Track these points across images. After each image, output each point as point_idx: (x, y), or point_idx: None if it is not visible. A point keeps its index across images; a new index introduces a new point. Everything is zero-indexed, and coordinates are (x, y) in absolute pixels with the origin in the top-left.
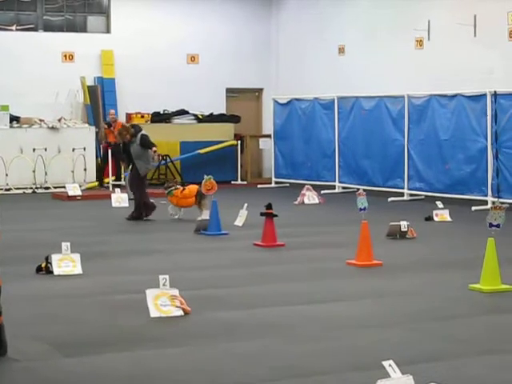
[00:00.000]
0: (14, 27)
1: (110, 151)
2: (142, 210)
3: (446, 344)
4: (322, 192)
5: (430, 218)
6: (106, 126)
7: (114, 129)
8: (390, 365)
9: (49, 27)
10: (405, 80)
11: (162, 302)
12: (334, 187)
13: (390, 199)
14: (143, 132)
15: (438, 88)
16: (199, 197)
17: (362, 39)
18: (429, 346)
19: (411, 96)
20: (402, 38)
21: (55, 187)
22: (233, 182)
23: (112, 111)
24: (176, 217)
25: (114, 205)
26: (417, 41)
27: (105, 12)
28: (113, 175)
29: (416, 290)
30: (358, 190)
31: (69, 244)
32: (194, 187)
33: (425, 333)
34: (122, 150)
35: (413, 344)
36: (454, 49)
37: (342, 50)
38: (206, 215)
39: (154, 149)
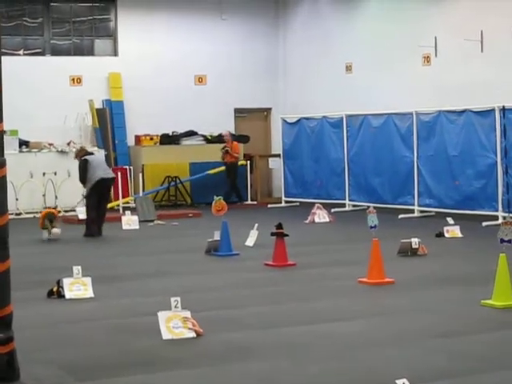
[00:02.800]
0: (21, 52)
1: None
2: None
3: (459, 361)
4: (333, 210)
5: (440, 235)
6: (223, 151)
7: (231, 150)
8: (403, 383)
9: (56, 51)
10: (413, 96)
11: (174, 324)
12: (344, 205)
13: (400, 216)
14: (84, 158)
15: (447, 104)
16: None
17: (369, 57)
18: (442, 362)
19: (419, 112)
20: (409, 54)
21: (66, 211)
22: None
23: (225, 132)
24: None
25: (124, 227)
26: (424, 57)
27: (112, 35)
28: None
29: (428, 306)
30: (369, 207)
31: (80, 268)
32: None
33: (438, 350)
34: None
35: (426, 361)
36: (462, 64)
37: (349, 68)
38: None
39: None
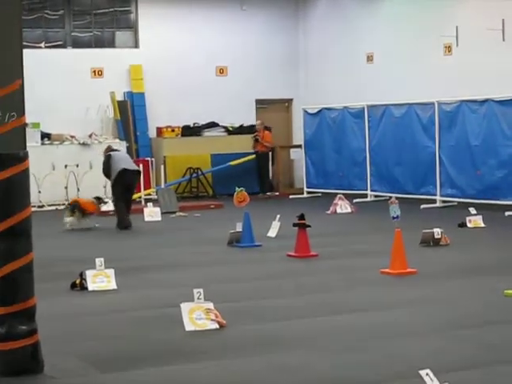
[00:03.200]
0: (42, 44)
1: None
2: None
3: (483, 351)
4: (354, 201)
5: (463, 225)
6: (254, 139)
7: (262, 139)
8: (427, 374)
9: (77, 43)
10: (434, 86)
11: (196, 315)
12: (365, 196)
13: (422, 206)
14: (108, 153)
15: (468, 93)
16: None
17: (391, 47)
18: (465, 353)
19: (441, 102)
20: (430, 44)
21: None
22: (260, 195)
23: (258, 122)
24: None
25: (146, 219)
26: (445, 47)
27: (132, 27)
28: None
29: (451, 296)
30: (391, 198)
31: (103, 259)
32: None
33: (461, 340)
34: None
35: (449, 352)
36: (483, 54)
37: (370, 58)
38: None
39: None
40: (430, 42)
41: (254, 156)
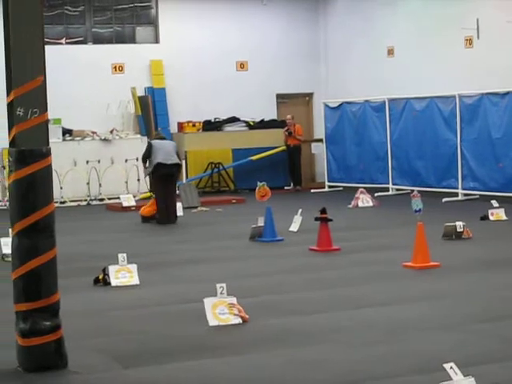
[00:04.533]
0: (63, 40)
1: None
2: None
3: (506, 345)
4: (376, 195)
5: (485, 218)
6: (286, 133)
7: (294, 132)
8: (451, 367)
9: (98, 39)
10: (455, 79)
11: (220, 310)
12: (387, 189)
13: (444, 200)
14: (149, 140)
15: (489, 86)
16: None
17: (411, 40)
18: (489, 347)
19: (462, 95)
20: (451, 37)
21: (109, 198)
22: (286, 188)
23: (289, 116)
24: None
25: None
26: (466, 40)
27: (153, 22)
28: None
29: (475, 290)
30: (412, 191)
31: (125, 255)
32: None
33: (485, 334)
34: None
35: (473, 345)
36: (504, 46)
37: (391, 52)
38: None
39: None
40: (450, 34)
41: (282, 149)
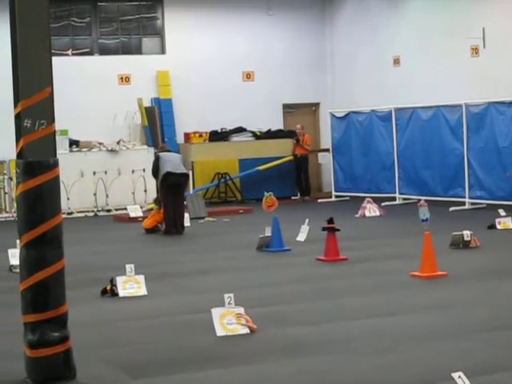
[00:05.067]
0: (69, 52)
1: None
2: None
3: None
4: (383, 204)
5: (492, 226)
6: (295, 142)
7: (302, 142)
8: (459, 376)
9: (104, 50)
10: (462, 88)
11: (227, 320)
12: (394, 199)
13: (451, 209)
14: (157, 154)
15: (496, 95)
16: None
17: (417, 49)
18: (496, 356)
19: (469, 104)
20: (457, 46)
21: (116, 209)
22: (293, 198)
23: (298, 126)
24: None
25: None
26: (472, 49)
27: (159, 33)
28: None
29: (483, 299)
30: (419, 200)
31: (133, 266)
32: None
33: (492, 343)
34: None
35: (480, 354)
36: (510, 55)
37: (397, 61)
38: None
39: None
40: (456, 44)
41: (289, 158)
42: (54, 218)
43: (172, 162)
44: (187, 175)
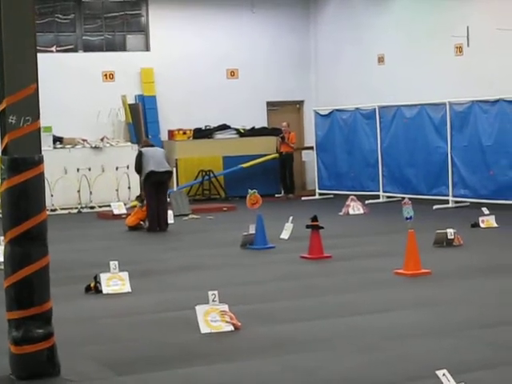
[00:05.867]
0: (53, 48)
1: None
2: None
3: (498, 351)
4: (367, 202)
5: (476, 225)
6: (280, 139)
7: (288, 139)
8: (443, 374)
9: (88, 47)
10: (446, 87)
11: (212, 317)
12: (378, 197)
13: (435, 207)
14: (140, 150)
15: (480, 94)
16: None
17: (402, 48)
18: (481, 353)
19: (453, 103)
20: (441, 45)
21: (100, 206)
22: (277, 195)
23: (284, 123)
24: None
25: None
26: (456, 47)
27: (143, 30)
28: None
29: (467, 297)
30: (403, 199)
31: (117, 263)
32: None
33: (476, 341)
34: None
35: (465, 352)
36: (494, 54)
37: (381, 60)
38: None
39: None
40: (440, 42)
41: (274, 156)
42: (38, 215)
43: (155, 159)
44: (170, 172)
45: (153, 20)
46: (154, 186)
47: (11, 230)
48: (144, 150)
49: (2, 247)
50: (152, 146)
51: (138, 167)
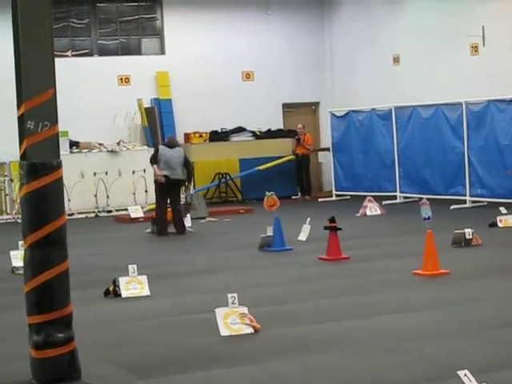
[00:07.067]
0: (69, 53)
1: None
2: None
3: None
4: (384, 203)
5: (494, 224)
6: (295, 141)
7: (303, 141)
8: (465, 374)
9: (104, 51)
10: (462, 87)
11: (231, 320)
12: (395, 197)
13: (452, 207)
14: (157, 147)
15: (496, 93)
16: None
17: (417, 48)
18: (501, 353)
19: (469, 102)
20: (456, 44)
21: (117, 210)
22: (293, 197)
23: (299, 125)
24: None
25: None
26: (472, 47)
27: (158, 34)
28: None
29: (486, 297)
30: (420, 199)
31: (135, 266)
32: None
33: (495, 340)
34: None
35: (485, 352)
36: (510, 53)
37: (396, 60)
38: None
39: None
40: (456, 42)
41: (290, 158)
42: (58, 219)
43: (168, 165)
44: (182, 181)
45: (167, 23)
46: (164, 192)
47: (31, 234)
48: (161, 148)
49: (20, 252)
50: (174, 146)
51: (152, 161)
